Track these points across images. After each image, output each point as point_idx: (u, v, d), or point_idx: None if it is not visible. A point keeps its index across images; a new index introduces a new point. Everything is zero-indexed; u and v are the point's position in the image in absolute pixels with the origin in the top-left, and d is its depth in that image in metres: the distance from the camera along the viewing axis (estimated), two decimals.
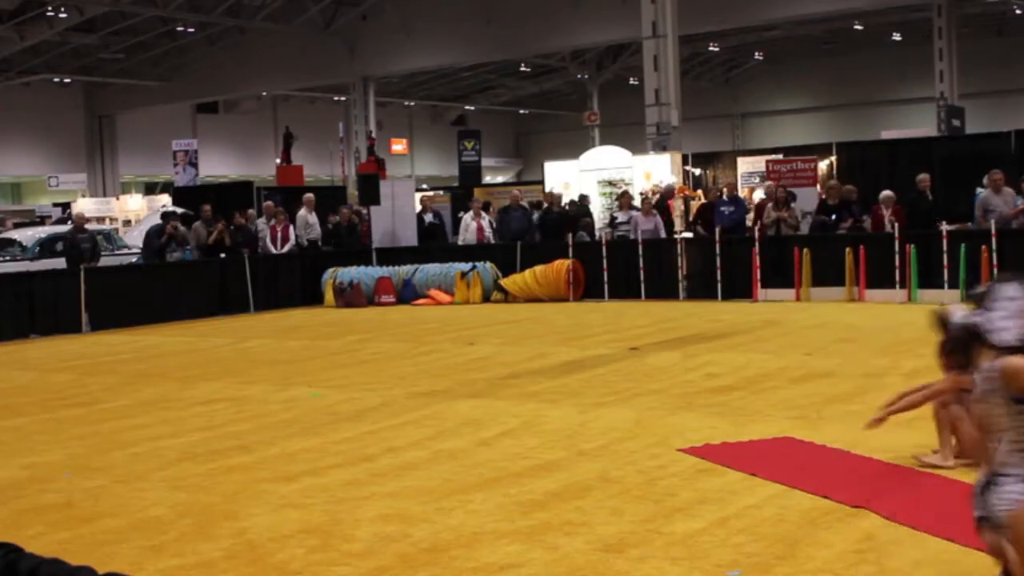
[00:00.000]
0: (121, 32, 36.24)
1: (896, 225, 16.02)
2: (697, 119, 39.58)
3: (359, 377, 10.63)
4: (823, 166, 22.67)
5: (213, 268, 18.82)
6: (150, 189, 44.08)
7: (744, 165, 26.95)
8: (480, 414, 8.33)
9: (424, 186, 36.40)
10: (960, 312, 4.76)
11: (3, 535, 4.80)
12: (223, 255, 19.05)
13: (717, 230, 17.56)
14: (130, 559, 5.07)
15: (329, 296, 19.32)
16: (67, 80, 40.83)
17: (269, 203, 21.01)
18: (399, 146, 43.07)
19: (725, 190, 19.25)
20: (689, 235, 18.85)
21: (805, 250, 16.50)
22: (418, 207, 23.07)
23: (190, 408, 9.27)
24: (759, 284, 16.90)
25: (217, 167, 44.23)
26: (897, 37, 41.25)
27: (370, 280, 19.23)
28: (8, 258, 20.30)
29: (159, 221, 20.71)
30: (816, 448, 6.76)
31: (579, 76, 45.87)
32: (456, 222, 22.85)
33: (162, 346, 14.33)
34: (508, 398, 9.02)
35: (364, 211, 21.98)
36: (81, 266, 17.01)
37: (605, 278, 18.06)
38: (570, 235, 18.78)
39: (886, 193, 16.76)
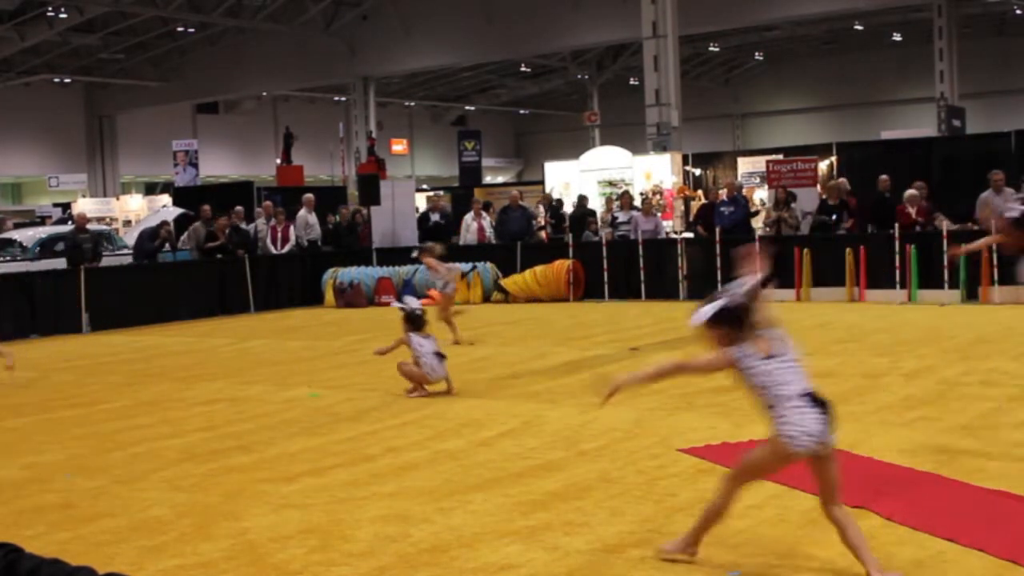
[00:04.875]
0: (121, 32, 36.25)
1: (930, 224, 16.08)
2: (697, 119, 39.63)
3: (359, 377, 10.63)
4: (823, 166, 22.68)
5: (213, 268, 18.82)
6: (150, 189, 44.09)
7: (744, 165, 26.97)
8: (480, 414, 8.33)
9: (424, 186, 36.42)
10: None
11: (3, 535, 4.80)
12: (219, 255, 19.04)
13: (717, 230, 17.55)
14: (130, 559, 5.07)
15: (329, 296, 19.32)
16: (67, 80, 40.83)
17: (268, 203, 21.02)
18: (399, 146, 43.07)
19: (725, 190, 19.22)
20: (690, 235, 18.85)
21: (805, 250, 16.50)
22: (422, 207, 23.04)
23: (190, 408, 9.26)
24: None
25: (217, 167, 44.24)
26: (897, 37, 41.26)
27: (370, 280, 19.23)
28: (9, 258, 20.31)
29: (153, 224, 20.79)
30: None
31: (579, 76, 45.87)
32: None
33: (162, 346, 14.33)
34: (508, 398, 9.02)
35: (364, 211, 21.96)
36: (81, 266, 17.01)
37: (605, 278, 18.06)
38: (572, 234, 18.79)
39: (911, 192, 16.73)
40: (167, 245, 19.73)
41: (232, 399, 9.64)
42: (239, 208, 20.79)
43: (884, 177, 17.35)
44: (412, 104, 51.05)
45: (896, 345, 11.19)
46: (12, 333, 15.70)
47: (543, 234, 21.71)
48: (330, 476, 6.54)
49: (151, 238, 19.50)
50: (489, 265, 18.95)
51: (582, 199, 21.59)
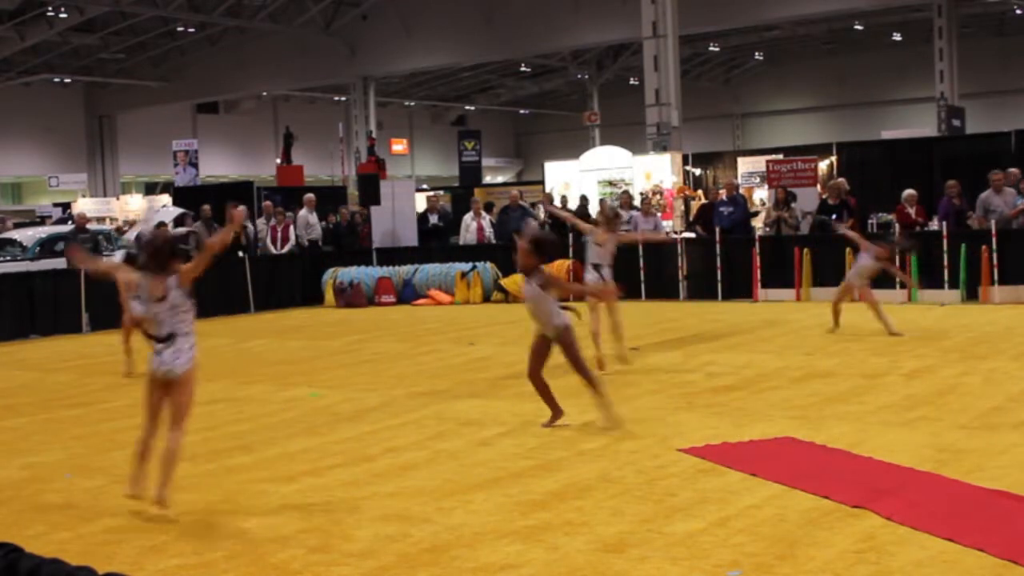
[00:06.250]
0: (121, 32, 36.24)
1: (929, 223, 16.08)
2: (697, 119, 39.57)
3: (359, 377, 10.63)
4: (823, 166, 22.68)
5: (213, 268, 18.77)
6: (150, 189, 44.05)
7: (744, 165, 26.97)
8: (480, 414, 8.32)
9: (424, 186, 36.42)
10: None
11: (3, 535, 4.80)
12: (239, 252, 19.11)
13: (717, 230, 17.55)
14: (130, 559, 5.07)
15: (329, 296, 19.32)
16: (67, 80, 40.82)
17: (268, 203, 21.02)
18: (399, 146, 43.04)
19: (724, 191, 19.19)
20: (690, 235, 18.85)
21: (805, 250, 16.50)
22: (422, 207, 22.98)
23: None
24: (759, 284, 16.89)
25: (217, 167, 44.22)
26: (897, 37, 41.24)
27: (370, 280, 19.23)
28: (8, 258, 20.29)
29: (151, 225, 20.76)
30: (816, 448, 6.76)
31: (579, 76, 45.86)
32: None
33: None
34: (508, 398, 9.01)
35: (364, 211, 21.95)
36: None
37: None
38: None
39: (909, 192, 16.75)
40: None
41: (232, 399, 9.64)
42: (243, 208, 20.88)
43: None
44: (412, 104, 51.03)
45: (896, 345, 11.19)
46: (12, 333, 15.74)
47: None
48: (330, 476, 6.54)
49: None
50: (489, 265, 18.95)
51: (584, 199, 21.57)
